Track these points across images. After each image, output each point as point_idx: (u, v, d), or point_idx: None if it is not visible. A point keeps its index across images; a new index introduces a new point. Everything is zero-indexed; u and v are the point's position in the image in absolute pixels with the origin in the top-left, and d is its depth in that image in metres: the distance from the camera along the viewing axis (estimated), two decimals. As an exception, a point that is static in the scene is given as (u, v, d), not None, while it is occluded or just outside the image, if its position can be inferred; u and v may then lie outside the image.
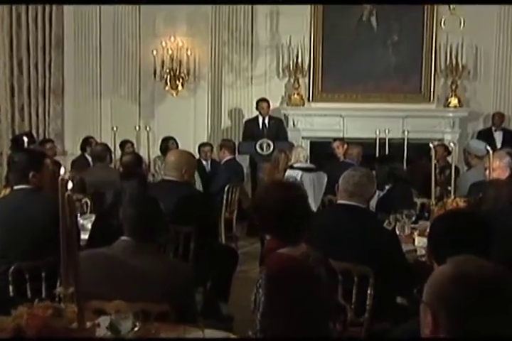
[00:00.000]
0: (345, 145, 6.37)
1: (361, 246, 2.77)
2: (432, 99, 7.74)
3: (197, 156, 6.76)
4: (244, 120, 7.77)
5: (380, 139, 6.51)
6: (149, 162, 6.45)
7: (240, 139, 7.55)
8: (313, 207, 4.77)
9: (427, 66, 7.64)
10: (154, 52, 7.73)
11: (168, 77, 7.82)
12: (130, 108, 8.10)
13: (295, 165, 5.54)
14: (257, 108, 7.53)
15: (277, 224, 2.16)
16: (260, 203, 2.22)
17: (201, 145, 7.00)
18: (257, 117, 7.54)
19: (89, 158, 6.26)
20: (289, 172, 5.49)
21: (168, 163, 3.78)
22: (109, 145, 5.78)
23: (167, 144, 6.72)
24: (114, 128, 6.49)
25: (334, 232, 2.84)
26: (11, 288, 2.72)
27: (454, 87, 7.62)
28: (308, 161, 5.90)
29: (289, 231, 2.16)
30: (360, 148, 6.00)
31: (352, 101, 7.78)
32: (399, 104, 7.70)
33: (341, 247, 2.74)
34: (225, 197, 5.76)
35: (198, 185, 5.67)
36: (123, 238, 2.37)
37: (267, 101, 7.49)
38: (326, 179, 5.36)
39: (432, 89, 7.71)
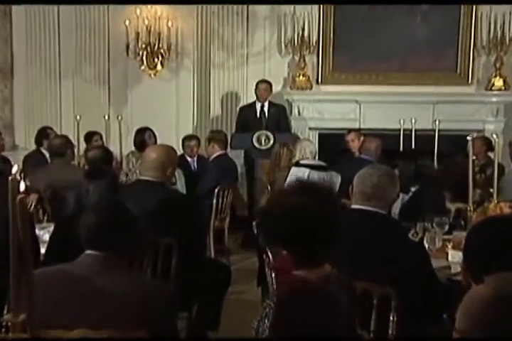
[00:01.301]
0: (362, 138, 6.39)
1: (381, 262, 2.79)
2: (470, 80, 7.76)
3: (180, 152, 6.79)
4: (238, 107, 7.79)
5: (404, 130, 6.53)
6: (121, 158, 6.45)
7: (233, 131, 7.55)
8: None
9: (465, 40, 7.65)
10: (127, 23, 7.74)
11: (145, 53, 7.84)
12: (97, 92, 8.10)
13: (301, 162, 5.55)
14: (255, 91, 7.52)
15: (298, 239, 2.05)
16: (276, 209, 2.09)
17: (186, 139, 7.01)
18: (254, 103, 7.54)
19: (47, 154, 6.27)
20: (293, 171, 5.50)
21: (147, 162, 3.81)
22: (71, 138, 5.78)
23: (143, 137, 6.73)
24: (78, 117, 6.49)
25: (347, 244, 2.84)
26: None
27: (498, 66, 7.63)
28: (317, 157, 5.91)
29: (313, 250, 2.07)
30: (379, 142, 6.02)
31: (370, 84, 7.79)
32: (429, 86, 7.71)
33: (356, 263, 2.75)
34: (214, 201, 5.79)
35: (181, 187, 5.68)
36: (88, 252, 2.38)
37: (269, 83, 7.48)
38: (339, 179, 5.37)
39: (470, 68, 7.73)
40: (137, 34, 7.78)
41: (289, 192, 2.14)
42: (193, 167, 6.90)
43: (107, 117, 6.80)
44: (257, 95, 7.49)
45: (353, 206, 3.04)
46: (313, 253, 2.08)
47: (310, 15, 7.64)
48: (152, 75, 7.99)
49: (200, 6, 7.88)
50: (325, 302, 2.08)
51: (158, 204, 3.54)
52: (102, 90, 8.13)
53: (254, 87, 7.48)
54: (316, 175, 5.36)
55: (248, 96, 7.80)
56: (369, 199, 2.95)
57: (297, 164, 5.56)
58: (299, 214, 2.04)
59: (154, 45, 7.83)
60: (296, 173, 5.42)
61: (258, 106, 7.51)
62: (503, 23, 7.50)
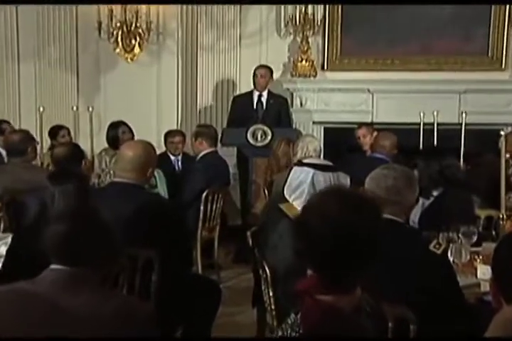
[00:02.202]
0: (375, 134, 6.40)
1: (396, 279, 2.79)
2: (504, 64, 7.79)
3: (162, 149, 6.79)
4: (231, 97, 7.80)
5: (425, 125, 6.54)
6: (93, 157, 6.45)
7: (225, 125, 7.56)
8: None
9: (498, 17, 7.67)
10: (98, -3, 7.75)
11: (120, 34, 7.83)
12: (64, 79, 8.10)
13: (305, 161, 5.55)
14: (253, 77, 7.51)
15: (329, 258, 2.03)
16: (313, 223, 2.05)
17: (168, 134, 7.02)
18: (250, 93, 7.55)
19: (3, 152, 6.26)
20: (295, 172, 5.50)
21: (122, 161, 3.82)
22: (33, 134, 5.78)
23: (118, 132, 6.73)
24: (41, 109, 6.49)
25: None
26: None
27: (537, 48, 7.67)
28: (322, 156, 5.91)
29: (344, 272, 2.05)
30: (395, 138, 6.04)
31: (385, 70, 7.82)
32: (455, 72, 7.75)
33: (368, 279, 2.75)
34: (202, 207, 5.80)
35: (163, 190, 5.68)
36: (53, 267, 2.38)
37: (269, 69, 7.48)
38: (347, 182, 5.37)
39: (504, 51, 7.75)
40: (111, 10, 7.76)
41: (328, 200, 2.11)
42: (176, 167, 6.91)
43: (75, 108, 6.82)
44: (254, 83, 7.50)
45: (365, 213, 3.04)
46: (348, 277, 2.07)
47: (315, -11, 7.68)
48: (129, 59, 7.99)
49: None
50: (357, 332, 2.05)
51: (136, 210, 3.54)
52: (69, 77, 8.13)
53: (252, 74, 7.46)
54: (321, 177, 5.35)
55: (242, 85, 7.82)
56: (383, 205, 2.94)
57: (299, 163, 5.55)
58: (341, 229, 2.01)
59: (131, 23, 7.81)
60: (298, 174, 5.41)
61: (255, 96, 7.52)
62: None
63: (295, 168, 5.54)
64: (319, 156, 5.83)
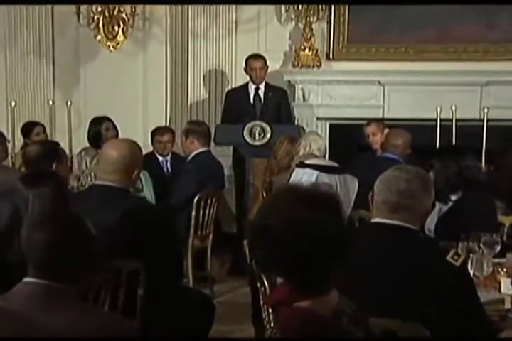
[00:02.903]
0: (386, 131, 6.40)
1: (409, 294, 2.79)
2: (531, 53, 7.79)
3: (149, 148, 6.79)
4: (226, 90, 7.80)
5: (442, 121, 6.54)
6: (72, 157, 6.44)
7: (219, 121, 7.57)
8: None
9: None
10: (77, -21, 7.75)
11: (101, 19, 7.83)
12: (38, 70, 8.10)
13: (308, 162, 5.56)
14: (245, 70, 7.55)
15: (297, 262, 2.10)
16: (268, 224, 2.13)
17: (156, 132, 7.01)
18: (246, 86, 7.57)
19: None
20: (297, 173, 5.51)
21: (106, 162, 3.82)
22: (3, 132, 5.78)
23: (100, 129, 6.73)
24: (12, 104, 6.49)
25: (365, 270, 2.85)
26: None
27: None
28: (327, 156, 5.92)
29: (315, 274, 2.13)
30: (409, 136, 6.05)
31: (398, 59, 7.82)
32: (476, 62, 7.74)
33: (377, 293, 2.76)
34: (193, 213, 5.80)
35: (150, 194, 5.68)
36: (27, 280, 2.38)
37: (263, 60, 7.49)
38: (356, 185, 5.39)
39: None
40: (91, -7, 7.79)
41: (283, 200, 2.18)
42: (165, 168, 6.90)
43: (51, 103, 6.81)
44: (250, 75, 7.50)
45: (374, 219, 3.03)
46: (319, 277, 2.12)
47: (319, -31, 7.70)
48: (111, 48, 7.98)
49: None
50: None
51: (120, 217, 3.54)
52: (44, 67, 8.13)
53: (244, 65, 7.48)
54: (326, 179, 5.36)
55: (237, 77, 7.82)
56: (395, 211, 2.95)
57: (302, 165, 5.57)
58: (300, 229, 2.07)
59: (114, 8, 7.82)
60: (300, 176, 5.42)
61: (251, 89, 7.53)
62: None
63: (297, 170, 5.55)
64: (324, 156, 5.83)
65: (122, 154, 3.78)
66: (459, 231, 3.80)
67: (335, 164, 5.70)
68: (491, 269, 3.61)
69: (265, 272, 2.37)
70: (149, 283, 3.45)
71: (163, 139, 6.91)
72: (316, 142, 5.82)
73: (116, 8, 7.78)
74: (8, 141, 5.81)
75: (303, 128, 7.24)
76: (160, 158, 6.91)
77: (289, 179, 5.49)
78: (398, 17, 7.71)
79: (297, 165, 5.58)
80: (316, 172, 5.43)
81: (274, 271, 2.26)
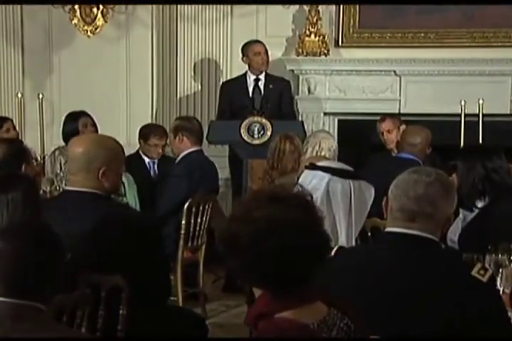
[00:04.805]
0: (403, 128, 6.40)
1: (430, 311, 2.79)
2: None
3: (134, 147, 6.77)
4: (220, 82, 7.82)
5: (467, 116, 6.54)
6: (44, 157, 6.43)
7: (212, 117, 7.56)
8: (344, 240, 4.80)
9: None
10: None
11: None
12: (5, 58, 8.10)
13: (320, 164, 5.53)
14: (243, 59, 7.55)
15: (272, 269, 2.16)
16: (239, 231, 2.20)
17: (151, 133, 6.93)
18: (243, 76, 7.60)
19: None
20: (306, 176, 5.47)
21: (70, 161, 3.82)
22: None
23: (77, 125, 6.72)
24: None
25: (380, 286, 2.86)
26: None
27: None
28: (336, 157, 5.90)
29: (292, 277, 2.18)
30: (428, 133, 6.04)
31: (416, 47, 7.86)
32: (505, 49, 7.75)
33: (393, 311, 2.76)
34: (183, 221, 5.79)
35: (134, 200, 5.67)
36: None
37: (263, 46, 7.49)
38: (372, 192, 5.35)
39: None
40: (67, -29, 7.79)
41: (254, 205, 2.25)
42: (152, 170, 6.89)
43: (20, 95, 6.80)
44: (250, 63, 7.51)
45: (389, 229, 3.04)
46: (298, 285, 2.19)
47: None
48: (89, 33, 8.00)
49: None
50: None
51: (99, 227, 3.53)
52: (11, 54, 8.14)
53: (240, 53, 7.49)
54: (338, 184, 5.33)
55: (233, 66, 7.84)
56: (413, 219, 2.94)
57: (312, 166, 5.54)
58: (273, 235, 2.15)
59: (93, -12, 7.84)
60: (310, 179, 5.38)
61: (250, 80, 7.55)
62: None
63: (306, 172, 5.53)
64: (335, 158, 5.81)
65: (85, 150, 3.72)
66: (486, 243, 3.79)
67: (349, 168, 5.67)
68: (523, 285, 3.62)
69: (244, 284, 2.45)
70: (132, 301, 3.45)
71: (160, 143, 6.86)
72: (327, 141, 5.81)
73: (96, -11, 7.81)
74: (-27, 140, 5.80)
75: (304, 123, 7.23)
76: (146, 160, 6.88)
77: (297, 182, 5.47)
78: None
79: (307, 167, 5.55)
80: (327, 176, 5.38)
81: (248, 280, 2.32)
